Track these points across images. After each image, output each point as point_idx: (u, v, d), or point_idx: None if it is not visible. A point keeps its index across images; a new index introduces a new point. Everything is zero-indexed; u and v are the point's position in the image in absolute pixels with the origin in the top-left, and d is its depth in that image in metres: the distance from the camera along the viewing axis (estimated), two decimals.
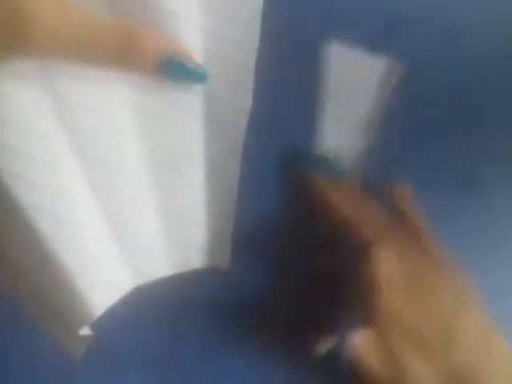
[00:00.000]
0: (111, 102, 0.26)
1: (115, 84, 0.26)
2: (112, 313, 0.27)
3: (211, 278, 0.32)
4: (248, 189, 0.30)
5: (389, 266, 0.28)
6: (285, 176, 0.34)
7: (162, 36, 0.25)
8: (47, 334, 0.29)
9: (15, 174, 0.24)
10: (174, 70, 0.25)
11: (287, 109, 0.34)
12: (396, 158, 0.37)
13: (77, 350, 0.28)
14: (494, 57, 0.40)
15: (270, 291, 0.36)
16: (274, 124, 0.34)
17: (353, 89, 0.29)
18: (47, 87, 0.24)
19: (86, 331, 0.27)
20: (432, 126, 0.38)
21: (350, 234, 0.30)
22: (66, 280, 0.26)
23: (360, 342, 0.27)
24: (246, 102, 0.28)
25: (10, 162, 0.24)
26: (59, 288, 0.26)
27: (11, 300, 0.29)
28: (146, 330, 0.34)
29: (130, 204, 0.27)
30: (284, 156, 0.34)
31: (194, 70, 0.26)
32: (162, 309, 0.34)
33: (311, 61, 0.34)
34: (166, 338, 0.35)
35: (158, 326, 0.34)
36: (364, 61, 0.29)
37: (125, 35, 0.24)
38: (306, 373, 0.34)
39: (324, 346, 0.31)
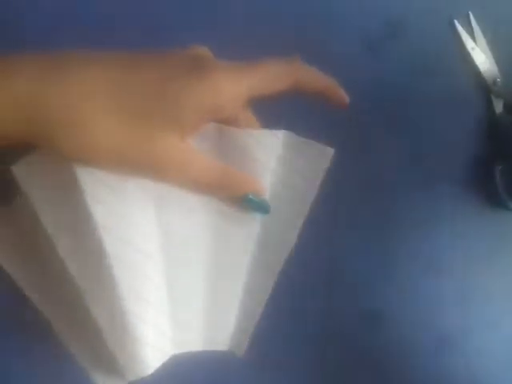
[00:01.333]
0: (195, 219, 0.34)
1: (202, 208, 0.34)
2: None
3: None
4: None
5: None
6: None
7: (249, 177, 0.34)
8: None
9: (117, 256, 0.31)
10: (250, 203, 0.34)
11: None
12: None
13: None
14: None
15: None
16: None
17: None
18: (156, 203, 0.33)
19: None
20: None
21: None
22: (127, 338, 0.32)
23: None
24: (293, 237, 0.35)
25: (117, 245, 0.31)
26: (118, 342, 0.32)
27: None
28: None
29: (188, 290, 0.35)
30: None
31: (262, 204, 0.34)
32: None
33: None
34: None
35: None
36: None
37: (226, 175, 0.33)
38: None
39: None
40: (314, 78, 0.34)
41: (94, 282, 0.32)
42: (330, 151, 0.34)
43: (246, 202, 0.33)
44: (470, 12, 0.44)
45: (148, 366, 0.32)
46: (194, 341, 0.35)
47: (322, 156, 0.35)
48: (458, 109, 0.44)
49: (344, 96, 0.35)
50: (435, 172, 0.43)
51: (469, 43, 0.44)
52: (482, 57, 0.43)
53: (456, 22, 0.44)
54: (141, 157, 0.29)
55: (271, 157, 0.35)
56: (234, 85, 0.30)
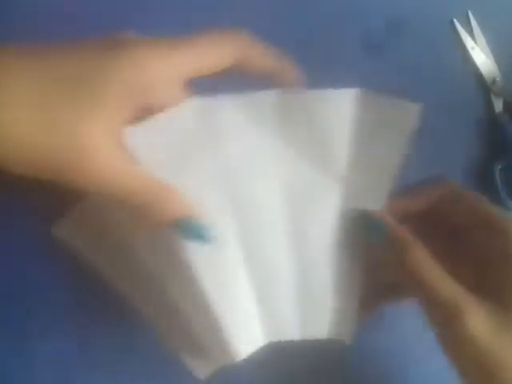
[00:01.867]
0: (267, 182, 0.31)
1: (272, 169, 0.31)
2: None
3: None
4: None
5: None
6: None
7: (183, 200, 0.29)
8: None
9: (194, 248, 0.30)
10: (184, 230, 0.29)
11: None
12: None
13: (203, 372, 0.34)
14: None
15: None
16: None
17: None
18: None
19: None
20: None
21: None
22: (217, 325, 0.31)
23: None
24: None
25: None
26: (209, 329, 0.32)
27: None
28: None
29: (273, 273, 0.32)
30: None
31: (199, 232, 0.30)
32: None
33: None
34: None
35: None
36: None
37: (151, 195, 0.28)
38: None
39: None
40: (261, 55, 0.30)
41: (174, 276, 0.32)
42: (416, 107, 0.30)
43: (177, 228, 0.29)
44: (469, 11, 0.44)
45: (239, 351, 0.31)
46: (288, 329, 0.32)
47: (408, 114, 0.30)
48: (457, 108, 0.44)
49: (296, 78, 0.31)
50: (434, 171, 0.43)
51: (468, 43, 0.44)
52: (481, 56, 0.43)
53: (456, 21, 0.44)
54: (59, 146, 0.26)
55: (345, 121, 0.30)
56: (161, 61, 0.27)
